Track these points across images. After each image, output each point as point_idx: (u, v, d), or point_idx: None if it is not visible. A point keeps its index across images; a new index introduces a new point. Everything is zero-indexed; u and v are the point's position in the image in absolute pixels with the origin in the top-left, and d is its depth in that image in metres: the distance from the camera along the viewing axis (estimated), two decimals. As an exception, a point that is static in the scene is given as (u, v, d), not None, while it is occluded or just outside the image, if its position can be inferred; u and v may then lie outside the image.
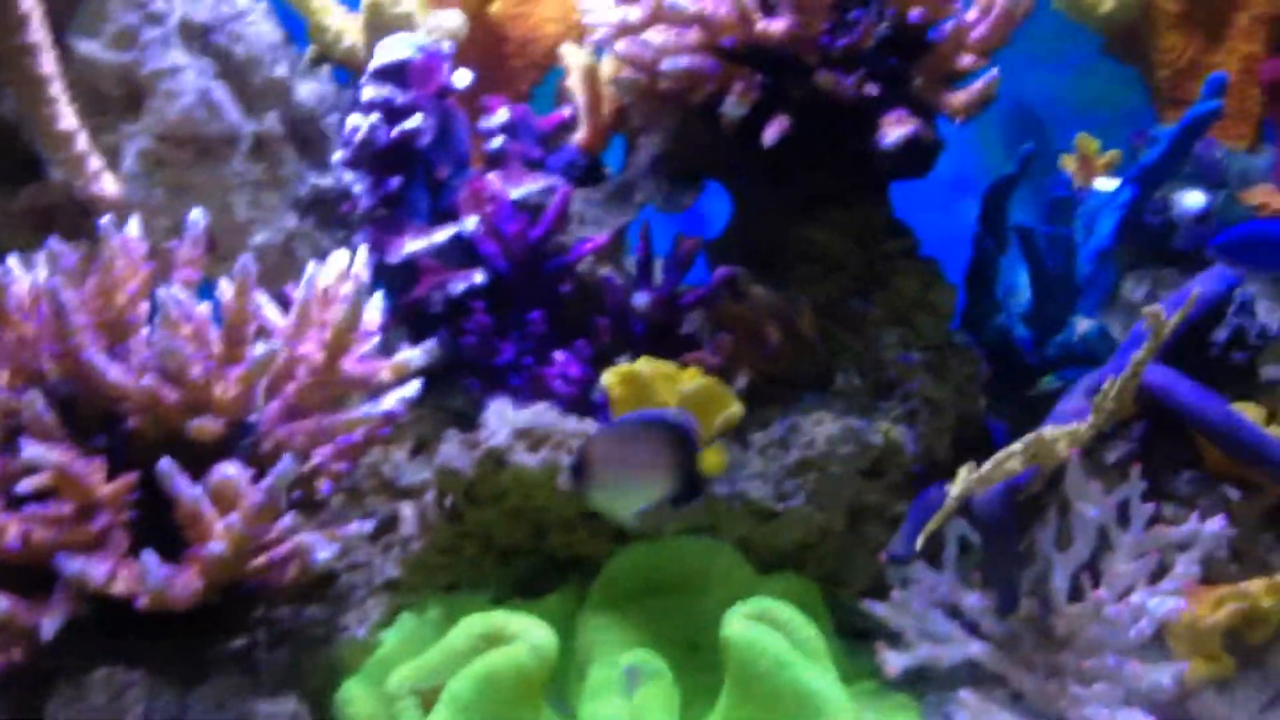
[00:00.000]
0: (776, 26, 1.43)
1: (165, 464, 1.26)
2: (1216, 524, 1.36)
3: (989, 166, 2.25)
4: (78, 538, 1.26)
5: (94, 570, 1.25)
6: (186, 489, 1.26)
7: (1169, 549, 1.37)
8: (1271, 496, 1.46)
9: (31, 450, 1.22)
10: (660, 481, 1.24)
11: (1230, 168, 1.88)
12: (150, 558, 1.23)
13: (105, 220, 1.40)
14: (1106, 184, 1.79)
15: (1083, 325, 1.75)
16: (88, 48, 1.60)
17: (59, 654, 1.26)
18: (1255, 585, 1.36)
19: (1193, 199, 1.84)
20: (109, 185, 1.55)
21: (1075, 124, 2.17)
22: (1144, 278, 1.91)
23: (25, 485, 1.24)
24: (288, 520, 1.32)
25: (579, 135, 1.78)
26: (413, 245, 1.62)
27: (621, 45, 1.50)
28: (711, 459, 1.26)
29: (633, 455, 1.24)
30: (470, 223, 1.63)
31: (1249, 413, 1.44)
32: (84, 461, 1.27)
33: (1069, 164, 2.01)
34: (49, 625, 1.22)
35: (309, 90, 1.74)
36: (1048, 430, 1.32)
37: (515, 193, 1.66)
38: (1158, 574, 1.36)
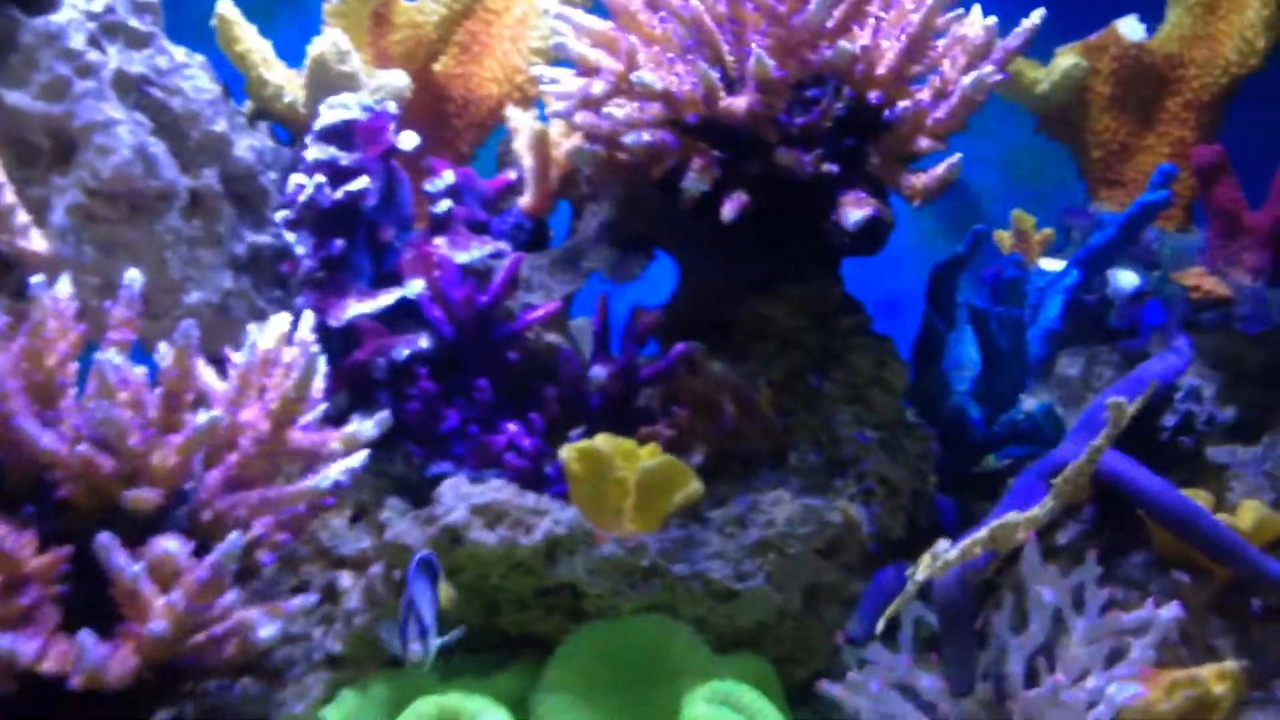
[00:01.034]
0: (739, 104, 1.42)
1: (104, 538, 1.19)
2: (1171, 610, 1.37)
3: (920, 234, 2.27)
4: (6, 613, 1.19)
5: (23, 648, 1.18)
6: (126, 566, 1.19)
7: (1124, 633, 1.38)
8: (1220, 582, 1.48)
9: (-42, 523, 1.15)
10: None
11: (1163, 248, 1.92)
12: (88, 637, 1.16)
13: (36, 280, 1.33)
14: (1051, 264, 1.82)
15: (1029, 404, 1.76)
16: (15, 98, 1.53)
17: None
18: (1207, 671, 1.37)
19: (1127, 279, 1.88)
20: (36, 241, 1.48)
21: (1004, 197, 2.20)
22: (1079, 354, 1.94)
23: (-51, 563, 1.16)
24: (230, 597, 1.26)
25: (525, 200, 1.75)
26: (357, 309, 1.58)
27: (581, 116, 1.48)
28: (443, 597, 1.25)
29: (432, 606, 1.22)
30: (416, 287, 1.59)
31: (1198, 499, 1.46)
32: (15, 535, 1.20)
33: (1005, 240, 2.04)
34: (-30, 705, 1.15)
35: (247, 146, 1.68)
36: (1010, 516, 1.32)
37: (462, 257, 1.63)
38: (1112, 658, 1.36)
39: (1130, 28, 1.98)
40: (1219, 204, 1.85)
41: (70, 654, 1.19)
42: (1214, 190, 1.85)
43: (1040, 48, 2.06)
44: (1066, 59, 1.99)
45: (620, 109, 1.44)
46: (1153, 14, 2.08)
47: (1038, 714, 1.35)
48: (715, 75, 1.39)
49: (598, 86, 1.43)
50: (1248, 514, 1.46)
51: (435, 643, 1.20)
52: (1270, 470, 1.49)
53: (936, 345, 1.73)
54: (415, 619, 1.20)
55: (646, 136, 1.42)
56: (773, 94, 1.42)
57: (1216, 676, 1.37)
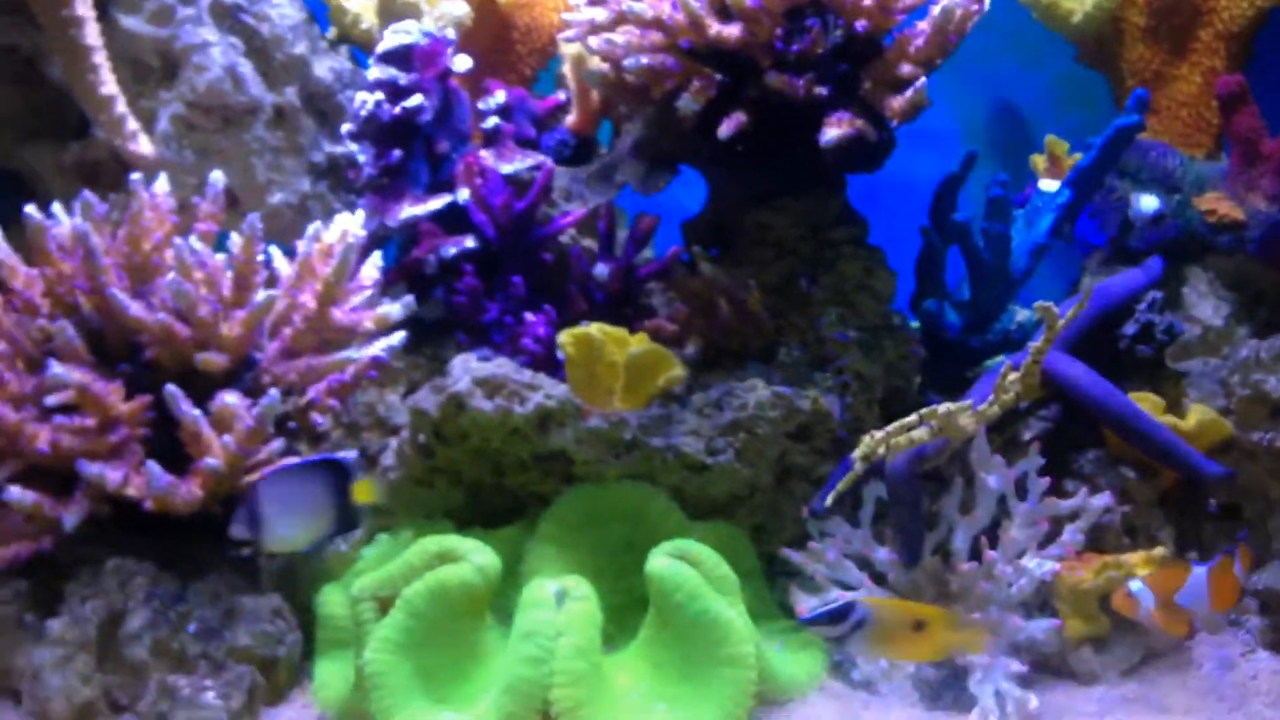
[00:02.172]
0: (730, 31, 1.58)
1: (170, 389, 1.45)
2: (1102, 498, 1.51)
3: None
4: (98, 447, 1.46)
5: (110, 475, 1.44)
6: (188, 411, 1.45)
7: (1062, 519, 1.52)
8: (1167, 480, 1.60)
9: (56, 369, 1.42)
10: (320, 520, 1.40)
11: (1187, 174, 2.00)
12: (154, 466, 1.42)
13: (135, 176, 1.59)
14: (1049, 185, 1.93)
15: (1021, 315, 1.89)
16: (130, 22, 1.79)
17: (80, 545, 1.47)
18: (1133, 556, 1.51)
19: (1148, 202, 1.97)
20: (144, 145, 1.74)
21: (1053, 126, 2.29)
22: (1101, 274, 2.04)
23: (50, 399, 1.44)
24: (278, 444, 1.52)
25: (571, 118, 1.95)
26: (410, 211, 1.81)
27: (594, 41, 1.66)
28: (363, 492, 1.42)
29: (294, 499, 1.39)
30: (462, 193, 1.81)
31: (1146, 403, 1.58)
32: (103, 383, 1.47)
33: (1039, 163, 2.14)
34: (69, 519, 1.43)
35: (326, 67, 1.92)
36: (943, 407, 1.47)
37: (506, 168, 1.84)
38: (1048, 540, 1.51)
39: (1165, -41, 2.04)
40: (1239, 131, 1.93)
41: (147, 481, 1.46)
42: (1234, 118, 1.93)
43: (1084, -21, 2.14)
44: (1099, -11, 2.08)
45: (623, 35, 1.62)
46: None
47: (973, 585, 1.52)
48: (698, 5, 1.55)
49: (601, 14, 1.61)
50: (1192, 416, 1.58)
51: (276, 535, 1.39)
52: (1224, 378, 1.60)
53: (935, 258, 1.87)
54: (248, 503, 1.38)
55: (644, 60, 1.60)
56: (757, 23, 1.57)
57: (1141, 561, 1.50)
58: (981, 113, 2.41)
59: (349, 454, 1.46)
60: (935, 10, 1.57)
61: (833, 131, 1.57)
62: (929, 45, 1.60)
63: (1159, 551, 1.51)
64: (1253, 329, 1.93)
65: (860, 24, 1.61)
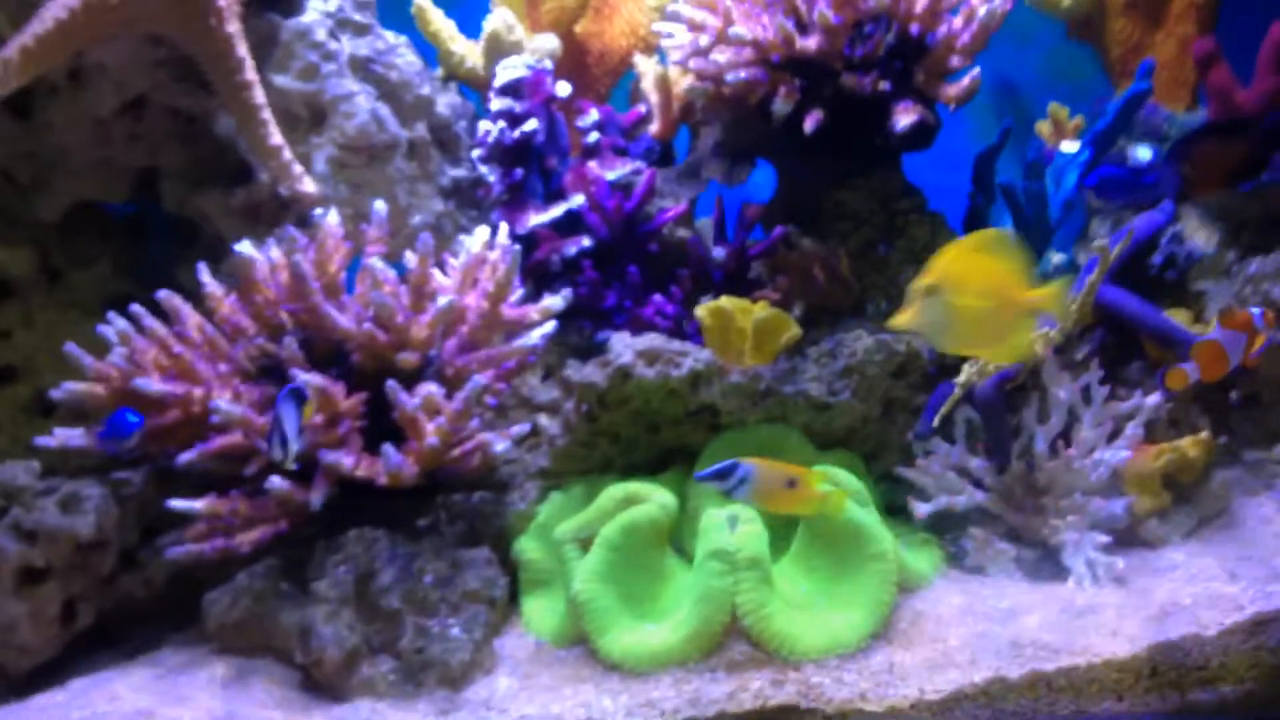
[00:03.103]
0: (811, 44, 1.90)
1: (392, 384, 1.75)
2: (1154, 398, 1.85)
3: (980, 132, 2.70)
4: (330, 439, 1.75)
5: (345, 460, 1.73)
6: (408, 401, 1.75)
7: (1121, 418, 1.86)
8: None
9: (303, 376, 1.71)
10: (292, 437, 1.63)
11: (1173, 126, 2.34)
12: (389, 449, 1.71)
13: (318, 212, 1.88)
14: (1069, 146, 2.26)
15: (1056, 257, 2.23)
16: (281, 80, 2.08)
17: (314, 523, 1.76)
18: (1185, 441, 1.84)
19: (1143, 152, 2.31)
20: (309, 185, 2.03)
21: (1048, 94, 2.63)
22: (1107, 218, 2.38)
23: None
24: (475, 423, 1.81)
25: (654, 127, 2.26)
26: (535, 219, 2.11)
27: (693, 63, 1.97)
28: (308, 413, 1.67)
29: (293, 421, 1.61)
30: (577, 200, 2.11)
31: (1178, 316, 1.92)
32: (331, 385, 1.76)
33: (1043, 128, 2.48)
34: (316, 499, 1.72)
35: (445, 103, 2.22)
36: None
37: (610, 175, 2.15)
38: (1114, 436, 1.84)
39: (1138, -56, 2.39)
40: (1215, 86, 2.27)
41: (375, 464, 1.75)
42: (1210, 75, 2.27)
43: (1067, -34, 2.48)
44: (1084, -24, 2.42)
45: (721, 55, 1.94)
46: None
47: (1056, 478, 1.85)
48: (790, 25, 1.87)
49: (704, 40, 1.93)
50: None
51: (295, 448, 1.63)
52: (1237, 291, 1.94)
53: (980, 217, 2.20)
54: (279, 431, 1.62)
55: (743, 74, 1.92)
56: (835, 35, 1.89)
57: (1191, 444, 1.84)
58: (984, 87, 2.75)
59: (299, 383, 1.69)
60: (980, 10, 1.90)
61: (905, 119, 1.90)
62: (973, 40, 1.93)
63: (1203, 435, 1.84)
64: (1239, 253, 2.27)
65: (914, 27, 1.93)
